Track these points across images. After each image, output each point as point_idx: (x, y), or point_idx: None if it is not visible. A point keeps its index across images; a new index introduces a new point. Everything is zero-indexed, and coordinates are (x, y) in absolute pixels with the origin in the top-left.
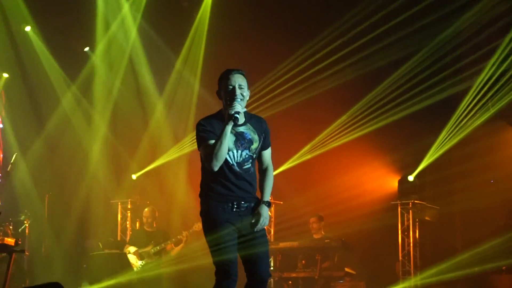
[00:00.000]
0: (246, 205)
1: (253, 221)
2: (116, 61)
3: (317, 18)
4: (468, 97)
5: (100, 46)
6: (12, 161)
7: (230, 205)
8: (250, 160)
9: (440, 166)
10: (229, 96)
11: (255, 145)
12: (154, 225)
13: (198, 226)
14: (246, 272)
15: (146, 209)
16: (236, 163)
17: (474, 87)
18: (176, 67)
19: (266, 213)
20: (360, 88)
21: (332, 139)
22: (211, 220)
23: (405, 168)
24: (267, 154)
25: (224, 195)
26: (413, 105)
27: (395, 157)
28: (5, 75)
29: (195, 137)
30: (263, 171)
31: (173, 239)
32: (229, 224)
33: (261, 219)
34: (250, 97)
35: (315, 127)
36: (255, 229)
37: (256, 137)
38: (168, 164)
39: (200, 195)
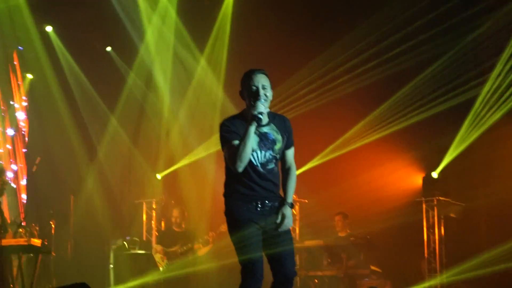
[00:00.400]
0: (270, 204)
1: (277, 221)
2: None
3: (342, 19)
4: (487, 88)
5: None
6: (36, 163)
7: (254, 204)
8: (274, 161)
9: (463, 161)
10: (252, 96)
11: (278, 146)
12: (183, 226)
13: (224, 227)
14: (272, 270)
15: (175, 209)
16: (260, 163)
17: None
18: (200, 66)
19: (289, 214)
20: (383, 90)
21: (355, 139)
22: (235, 220)
23: (429, 165)
24: (290, 153)
25: (248, 195)
26: (436, 106)
27: (418, 154)
28: (29, 76)
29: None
30: (286, 171)
31: (200, 240)
32: (253, 223)
33: (285, 220)
34: (274, 98)
35: (339, 128)
36: (279, 230)
37: (279, 137)
38: (193, 163)
39: (224, 195)
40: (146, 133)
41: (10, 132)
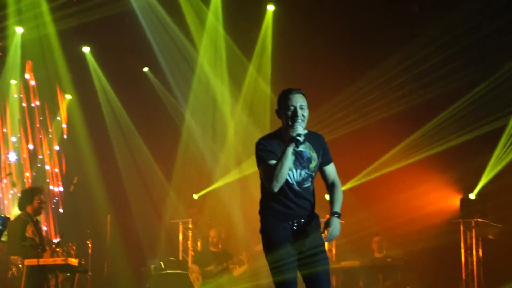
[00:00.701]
0: (306, 222)
1: (324, 231)
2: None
3: (383, 44)
4: None
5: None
6: (74, 182)
7: (290, 223)
8: (310, 179)
9: (501, 182)
10: (290, 116)
11: (313, 164)
12: (220, 246)
13: (260, 246)
14: None
15: (212, 230)
16: (296, 182)
17: None
18: (243, 91)
19: (337, 224)
20: (421, 115)
21: (393, 161)
22: (271, 239)
23: (466, 186)
24: (331, 169)
25: (284, 213)
26: (474, 130)
27: (455, 175)
28: (68, 96)
29: (255, 157)
30: (330, 186)
31: (236, 259)
32: (288, 243)
33: (331, 229)
34: (313, 119)
35: (377, 150)
36: (325, 240)
37: (314, 155)
38: (230, 184)
39: (260, 213)
40: (184, 153)
41: (57, 147)
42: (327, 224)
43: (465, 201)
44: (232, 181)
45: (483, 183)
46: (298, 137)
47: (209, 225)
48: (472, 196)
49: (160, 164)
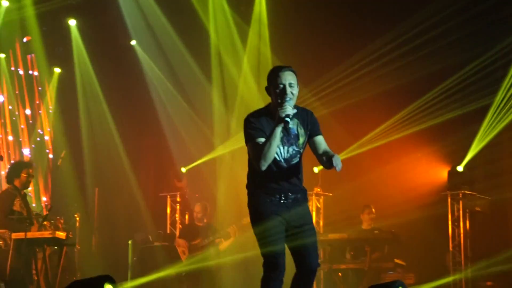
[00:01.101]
0: (293, 196)
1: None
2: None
3: (378, 20)
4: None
5: None
6: (62, 156)
7: (278, 197)
8: (298, 155)
9: (490, 155)
10: (279, 95)
11: (301, 140)
12: (205, 220)
13: (247, 219)
14: (295, 262)
15: (197, 205)
16: (284, 159)
17: None
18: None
19: (338, 159)
20: (411, 91)
21: (382, 135)
22: (258, 212)
23: (455, 159)
24: (320, 139)
25: (272, 188)
26: (462, 106)
27: (444, 148)
28: (57, 70)
29: (243, 133)
30: (323, 155)
31: (222, 233)
32: (276, 215)
33: (335, 158)
34: (306, 93)
35: (367, 125)
36: (334, 164)
37: (302, 131)
38: (218, 158)
39: (247, 187)
40: (173, 126)
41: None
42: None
43: (452, 173)
44: (221, 155)
45: (471, 156)
46: (287, 118)
47: (197, 198)
48: (460, 168)
49: (147, 137)
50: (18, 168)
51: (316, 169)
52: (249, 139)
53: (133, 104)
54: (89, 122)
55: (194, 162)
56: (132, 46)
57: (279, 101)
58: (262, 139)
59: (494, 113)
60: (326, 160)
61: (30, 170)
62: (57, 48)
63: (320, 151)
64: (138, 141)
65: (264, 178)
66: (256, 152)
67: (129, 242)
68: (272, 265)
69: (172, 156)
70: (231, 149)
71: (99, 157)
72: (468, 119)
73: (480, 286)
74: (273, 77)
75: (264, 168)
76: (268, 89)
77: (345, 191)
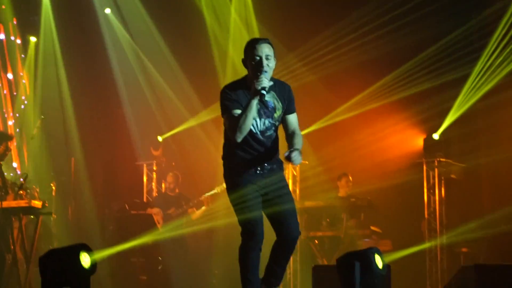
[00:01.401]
0: (269, 167)
1: (285, 154)
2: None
3: None
4: (490, 46)
5: None
6: (37, 125)
7: (254, 168)
8: (273, 128)
9: (465, 123)
10: (256, 67)
11: (278, 113)
12: (176, 190)
13: (219, 188)
14: (275, 231)
15: (169, 175)
16: (260, 131)
17: (496, 35)
18: (208, 29)
19: (298, 154)
20: (388, 62)
21: (358, 105)
22: (234, 182)
23: (431, 127)
24: (292, 118)
25: (248, 159)
26: (440, 75)
27: (420, 116)
28: (33, 39)
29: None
30: (290, 135)
31: (194, 202)
32: (252, 184)
33: (294, 154)
34: (284, 64)
35: (344, 95)
36: (290, 159)
37: (279, 105)
38: (195, 126)
39: (223, 158)
40: (148, 93)
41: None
42: (290, 151)
43: (428, 141)
44: (198, 124)
45: (447, 124)
46: (263, 91)
47: (174, 167)
48: (435, 136)
49: (124, 106)
50: None
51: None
52: (225, 110)
53: (108, 74)
54: (65, 91)
55: (171, 131)
56: (106, 15)
57: (256, 73)
58: (238, 111)
59: (473, 82)
60: (288, 146)
61: (10, 143)
62: (31, 18)
63: (289, 131)
64: (114, 110)
65: (240, 149)
66: (231, 124)
67: (106, 210)
68: (249, 233)
69: (149, 125)
70: (208, 118)
71: (75, 126)
72: (444, 88)
73: (455, 252)
74: (250, 49)
75: (239, 140)
76: (244, 62)
77: (321, 159)
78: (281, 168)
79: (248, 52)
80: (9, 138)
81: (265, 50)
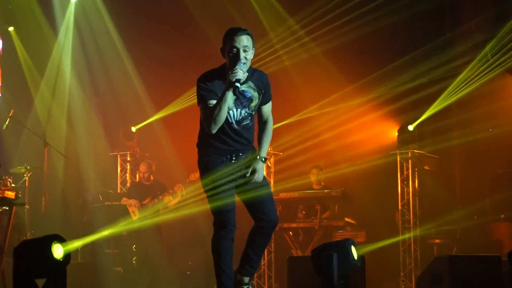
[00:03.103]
0: (244, 156)
1: (247, 175)
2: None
3: None
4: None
5: None
6: (10, 115)
7: (229, 157)
8: (250, 117)
9: (439, 116)
10: (233, 58)
11: (254, 103)
12: (151, 178)
13: (194, 176)
14: (253, 217)
15: (142, 164)
16: (236, 121)
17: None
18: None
19: (261, 167)
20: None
21: (336, 100)
22: (208, 170)
23: (404, 118)
24: (267, 107)
25: (223, 149)
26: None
27: (393, 107)
28: (11, 28)
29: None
30: (262, 124)
31: (170, 191)
32: (225, 173)
33: (256, 175)
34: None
35: (322, 87)
36: (249, 184)
37: (256, 94)
38: (169, 116)
39: (198, 146)
40: (124, 84)
41: None
42: (253, 170)
43: (402, 132)
44: (171, 113)
45: (423, 118)
46: (237, 83)
47: (147, 157)
48: (410, 127)
49: (96, 96)
50: None
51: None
52: (201, 100)
53: (77, 61)
54: (38, 80)
55: (145, 121)
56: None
57: (232, 64)
58: (214, 101)
59: (459, 80)
60: (258, 133)
61: None
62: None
63: (263, 118)
64: (87, 100)
65: (216, 138)
66: (206, 114)
67: (80, 201)
68: (220, 222)
69: (123, 115)
70: (182, 107)
71: (49, 116)
72: (417, 78)
73: (429, 243)
74: (228, 39)
75: (214, 131)
76: (222, 51)
77: (295, 151)
78: (255, 158)
79: (226, 42)
80: None
81: (243, 41)
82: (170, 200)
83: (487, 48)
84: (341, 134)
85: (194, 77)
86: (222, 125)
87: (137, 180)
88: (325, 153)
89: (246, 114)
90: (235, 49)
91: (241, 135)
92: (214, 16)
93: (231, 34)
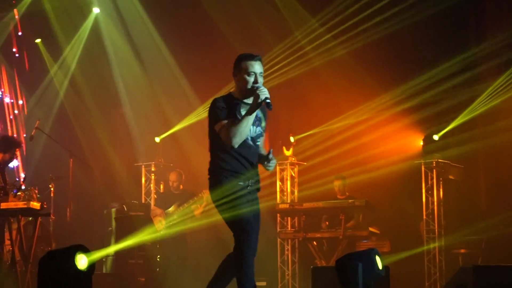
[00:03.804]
0: (256, 184)
1: (270, 156)
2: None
3: None
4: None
5: None
6: (36, 126)
7: (245, 184)
8: (261, 137)
9: (464, 125)
10: (252, 82)
11: (263, 124)
12: (181, 188)
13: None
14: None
15: (172, 173)
16: (251, 137)
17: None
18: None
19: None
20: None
21: (359, 109)
22: (233, 199)
23: (429, 127)
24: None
25: (240, 173)
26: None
27: (419, 117)
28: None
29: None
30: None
31: (195, 198)
32: (244, 192)
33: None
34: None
35: (347, 100)
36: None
37: (263, 116)
38: (191, 126)
39: (213, 172)
40: (147, 96)
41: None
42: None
43: (427, 141)
44: (192, 123)
45: (450, 128)
46: (268, 100)
47: (171, 167)
48: (435, 137)
49: (121, 108)
50: (8, 145)
51: (292, 139)
52: (220, 118)
53: (102, 73)
54: (62, 90)
55: (168, 131)
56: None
57: (252, 87)
58: (231, 119)
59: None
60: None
61: (17, 150)
62: None
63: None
64: (112, 111)
65: (232, 159)
66: (230, 128)
67: (104, 212)
68: (247, 231)
69: (147, 125)
70: (203, 116)
71: (74, 125)
72: (439, 84)
73: (454, 253)
74: (245, 64)
75: (237, 145)
76: (236, 75)
77: (319, 161)
78: (258, 189)
79: (243, 66)
80: (19, 145)
81: (258, 68)
82: (197, 208)
83: None
84: (365, 143)
85: (215, 85)
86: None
87: (161, 190)
88: (349, 163)
89: (260, 132)
90: (253, 74)
91: (254, 154)
92: (238, 30)
93: (248, 60)
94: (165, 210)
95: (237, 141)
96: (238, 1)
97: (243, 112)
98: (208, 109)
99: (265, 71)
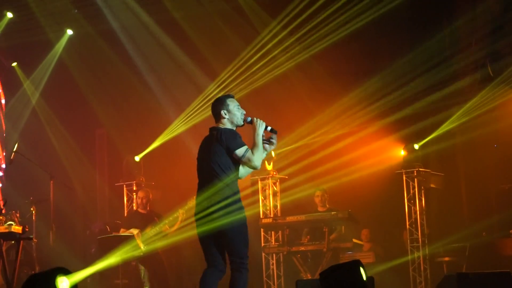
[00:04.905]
0: None
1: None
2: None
3: None
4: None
5: None
6: (14, 149)
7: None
8: None
9: (443, 135)
10: (243, 114)
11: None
12: (148, 208)
13: (191, 202)
14: (217, 261)
15: (140, 191)
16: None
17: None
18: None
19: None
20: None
21: (339, 119)
22: (243, 217)
23: (409, 137)
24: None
25: (241, 206)
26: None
27: (398, 127)
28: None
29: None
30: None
31: (166, 221)
32: None
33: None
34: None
35: (316, 103)
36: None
37: None
38: (170, 142)
39: (227, 201)
40: (123, 113)
41: None
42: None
43: (407, 151)
44: (171, 139)
45: (429, 138)
46: (269, 127)
47: (153, 186)
48: (416, 146)
49: (98, 128)
50: None
51: (273, 153)
52: (242, 144)
53: (81, 95)
54: (42, 113)
55: (146, 150)
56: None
57: (243, 118)
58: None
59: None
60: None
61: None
62: None
63: None
64: (92, 130)
65: (237, 194)
66: (257, 153)
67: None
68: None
69: (127, 145)
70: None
71: (52, 148)
72: (419, 98)
73: (438, 262)
74: (231, 102)
75: (260, 166)
76: (225, 111)
77: (302, 175)
78: None
79: (231, 104)
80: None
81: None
82: (167, 229)
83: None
84: (345, 154)
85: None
86: (236, 181)
87: (134, 208)
88: (330, 175)
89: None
90: (240, 107)
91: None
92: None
93: (232, 98)
94: (141, 231)
95: (260, 164)
96: (202, 5)
97: None
98: (216, 136)
99: (234, 78)
